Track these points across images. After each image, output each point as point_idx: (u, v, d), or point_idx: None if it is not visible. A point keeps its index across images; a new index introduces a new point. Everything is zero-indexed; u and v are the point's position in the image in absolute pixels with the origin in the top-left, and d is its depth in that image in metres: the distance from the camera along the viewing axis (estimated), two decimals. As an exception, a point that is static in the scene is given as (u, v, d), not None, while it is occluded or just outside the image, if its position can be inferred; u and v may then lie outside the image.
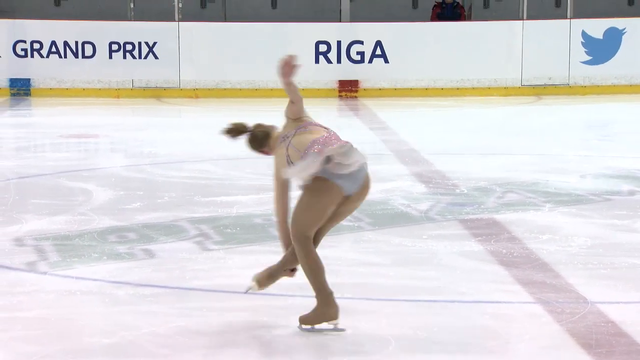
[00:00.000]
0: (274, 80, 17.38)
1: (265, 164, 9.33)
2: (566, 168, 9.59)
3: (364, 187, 4.55)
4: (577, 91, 16.99)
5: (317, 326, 4.58)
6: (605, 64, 17.08)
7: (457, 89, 16.97)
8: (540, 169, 9.40)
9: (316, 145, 4.47)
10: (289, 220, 4.57)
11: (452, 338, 4.50)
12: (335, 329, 4.58)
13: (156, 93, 16.81)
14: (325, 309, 4.54)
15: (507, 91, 16.93)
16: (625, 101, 16.19)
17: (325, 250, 5.21)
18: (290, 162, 4.51)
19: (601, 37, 17.06)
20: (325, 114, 15.15)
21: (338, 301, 4.63)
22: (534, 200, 7.80)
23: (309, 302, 4.85)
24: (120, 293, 5.25)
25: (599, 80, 17.16)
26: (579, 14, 17.47)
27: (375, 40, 16.84)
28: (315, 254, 4.52)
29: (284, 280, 5.35)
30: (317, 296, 4.56)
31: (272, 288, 5.15)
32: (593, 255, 6.08)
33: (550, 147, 11.12)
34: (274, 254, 6.09)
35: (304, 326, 4.59)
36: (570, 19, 17.14)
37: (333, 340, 4.48)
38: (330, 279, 4.71)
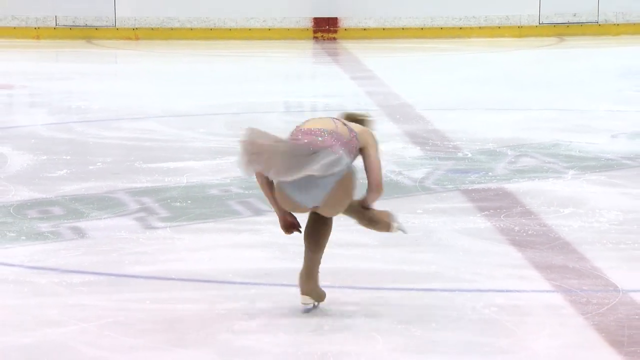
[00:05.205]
0: (233, 17, 17.39)
1: (222, 123, 9.31)
2: (594, 126, 9.63)
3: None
4: (609, 30, 17.03)
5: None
6: (643, -4, 17.12)
7: (461, 28, 16.98)
8: (562, 127, 9.43)
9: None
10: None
11: (452, 336, 4.53)
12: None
13: (86, 33, 16.71)
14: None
15: (521, 31, 16.96)
16: (667, 43, 16.26)
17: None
18: None
19: (638, -37, 17.09)
20: (296, 60, 15.12)
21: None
22: (554, 165, 7.83)
23: (277, 291, 4.87)
24: (43, 282, 5.25)
25: (635, 16, 17.20)
26: None
27: (359, -32, 16.81)
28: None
29: (246, 265, 5.37)
30: None
31: (232, 275, 5.17)
32: (626, 233, 6.12)
33: (574, 101, 11.15)
34: (234, 232, 6.11)
35: None
36: (600, -61, 17.17)
37: (307, 338, 4.50)
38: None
